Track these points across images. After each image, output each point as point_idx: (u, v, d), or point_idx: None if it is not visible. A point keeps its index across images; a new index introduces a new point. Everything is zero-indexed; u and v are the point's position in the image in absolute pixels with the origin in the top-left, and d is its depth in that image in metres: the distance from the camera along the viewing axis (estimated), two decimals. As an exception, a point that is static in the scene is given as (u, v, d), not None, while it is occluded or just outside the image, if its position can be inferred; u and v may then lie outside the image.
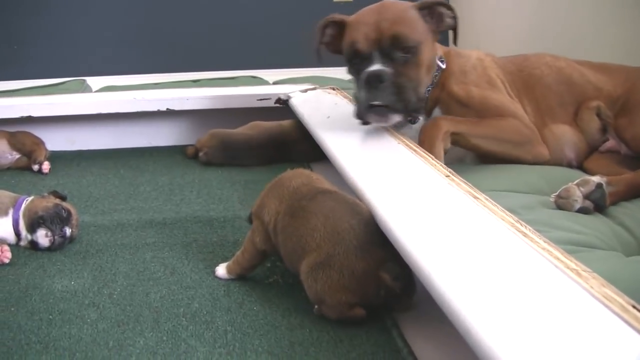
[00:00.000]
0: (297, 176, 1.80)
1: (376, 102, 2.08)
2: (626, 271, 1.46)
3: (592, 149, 2.38)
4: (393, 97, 2.08)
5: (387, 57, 2.11)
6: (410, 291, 1.62)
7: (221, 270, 1.87)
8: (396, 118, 2.12)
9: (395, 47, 2.11)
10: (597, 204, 1.84)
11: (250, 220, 1.84)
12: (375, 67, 2.09)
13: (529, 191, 2.03)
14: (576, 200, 1.82)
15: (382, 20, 2.13)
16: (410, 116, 2.15)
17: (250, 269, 1.85)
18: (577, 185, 1.85)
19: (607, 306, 1.07)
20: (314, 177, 1.83)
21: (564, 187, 1.86)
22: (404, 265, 1.54)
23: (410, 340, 1.55)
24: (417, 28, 2.15)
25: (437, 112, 2.32)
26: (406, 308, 1.64)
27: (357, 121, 2.18)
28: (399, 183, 1.78)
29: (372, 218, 1.62)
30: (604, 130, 2.36)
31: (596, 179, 1.87)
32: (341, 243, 1.58)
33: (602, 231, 1.73)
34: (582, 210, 1.81)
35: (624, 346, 0.97)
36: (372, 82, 2.08)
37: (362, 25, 2.16)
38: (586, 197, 1.83)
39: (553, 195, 1.86)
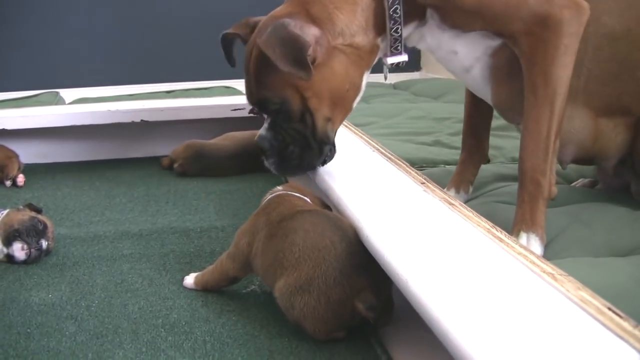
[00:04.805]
0: (282, 202, 1.76)
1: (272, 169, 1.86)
2: (596, 272, 1.48)
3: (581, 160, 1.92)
4: (282, 163, 1.82)
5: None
6: (388, 310, 1.61)
7: (190, 279, 1.87)
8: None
9: (264, 110, 1.80)
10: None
11: None
12: (261, 130, 1.83)
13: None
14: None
15: (248, 70, 1.78)
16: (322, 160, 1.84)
17: (216, 288, 1.84)
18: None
19: (583, 309, 1.08)
20: (300, 203, 1.78)
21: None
22: (381, 289, 1.54)
23: (390, 347, 1.56)
24: (278, 77, 1.70)
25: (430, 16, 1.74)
26: (384, 324, 1.62)
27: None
28: (374, 191, 1.79)
29: (354, 236, 1.58)
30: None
31: None
32: (322, 264, 1.54)
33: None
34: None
35: (601, 348, 0.99)
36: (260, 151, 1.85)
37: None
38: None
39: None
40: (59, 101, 4.00)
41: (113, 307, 1.77)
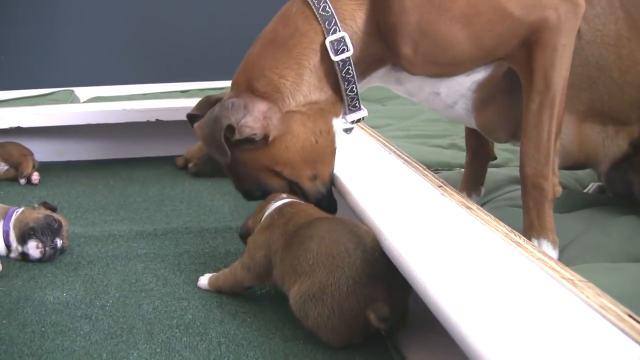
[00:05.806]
0: (297, 212, 1.73)
1: None
2: (614, 278, 1.47)
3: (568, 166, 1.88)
4: None
5: None
6: (402, 322, 1.59)
7: (204, 280, 1.86)
8: None
9: (252, 199, 1.92)
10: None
11: (242, 238, 1.83)
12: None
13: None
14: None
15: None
16: None
17: (229, 293, 1.82)
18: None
19: (603, 315, 1.07)
20: (314, 210, 1.76)
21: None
22: (397, 302, 1.53)
23: (406, 351, 1.55)
24: (243, 165, 1.79)
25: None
26: (397, 332, 1.60)
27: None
28: (392, 194, 1.78)
29: (371, 244, 1.55)
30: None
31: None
32: (335, 271, 1.51)
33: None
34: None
35: (621, 355, 0.98)
36: None
37: None
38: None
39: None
40: (74, 99, 4.00)
41: (127, 307, 1.77)
